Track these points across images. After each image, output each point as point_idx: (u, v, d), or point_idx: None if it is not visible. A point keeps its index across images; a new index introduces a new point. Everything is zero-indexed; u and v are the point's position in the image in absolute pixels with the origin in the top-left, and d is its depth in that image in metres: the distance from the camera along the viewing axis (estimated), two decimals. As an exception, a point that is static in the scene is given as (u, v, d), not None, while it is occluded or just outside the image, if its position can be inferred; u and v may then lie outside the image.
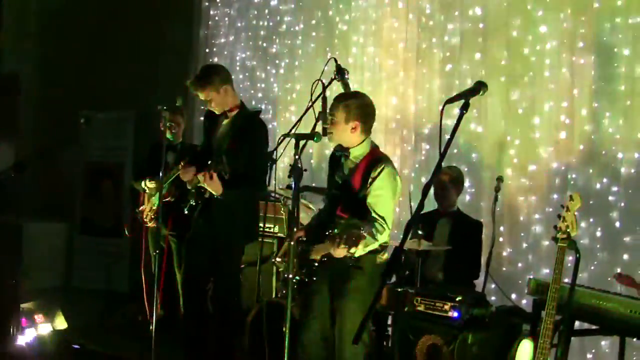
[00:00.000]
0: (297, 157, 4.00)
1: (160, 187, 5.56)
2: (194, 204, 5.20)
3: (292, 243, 4.04)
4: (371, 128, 4.42)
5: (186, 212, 5.28)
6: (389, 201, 4.29)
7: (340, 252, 4.09)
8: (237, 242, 5.25)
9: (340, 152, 4.44)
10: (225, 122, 5.27)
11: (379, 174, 4.25)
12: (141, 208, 6.42)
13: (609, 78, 5.64)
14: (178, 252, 6.24)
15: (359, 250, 4.12)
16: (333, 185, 4.56)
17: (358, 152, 4.39)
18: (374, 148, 4.45)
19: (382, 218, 4.22)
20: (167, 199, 5.98)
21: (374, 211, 4.24)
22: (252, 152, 5.08)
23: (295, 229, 4.15)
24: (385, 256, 4.39)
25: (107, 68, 9.10)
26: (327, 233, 4.26)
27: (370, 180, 4.26)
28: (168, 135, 6.24)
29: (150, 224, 6.37)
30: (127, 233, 6.99)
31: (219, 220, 5.13)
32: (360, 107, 4.34)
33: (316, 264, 4.34)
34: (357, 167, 4.36)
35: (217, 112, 5.25)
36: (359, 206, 4.27)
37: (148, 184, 6.24)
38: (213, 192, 4.96)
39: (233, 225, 5.13)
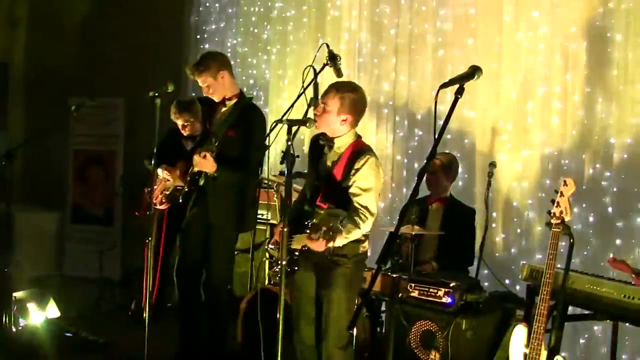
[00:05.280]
0: (289, 143, 3.98)
1: (177, 177, 5.73)
2: (186, 189, 5.19)
3: (284, 230, 4.02)
4: (358, 122, 4.42)
5: (181, 200, 5.28)
6: (372, 192, 4.25)
7: (318, 246, 4.09)
8: (230, 229, 5.25)
9: (324, 141, 4.42)
10: (223, 110, 5.28)
11: (363, 164, 4.23)
12: (154, 188, 6.37)
13: (601, 63, 5.62)
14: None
15: (341, 241, 4.13)
16: (314, 174, 4.54)
17: (342, 142, 4.36)
18: (358, 139, 4.42)
19: (365, 208, 4.20)
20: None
21: (357, 201, 4.22)
22: (248, 140, 5.09)
23: (283, 225, 4.10)
24: (367, 245, 4.40)
25: (98, 54, 9.05)
26: (306, 223, 4.28)
27: (353, 171, 4.24)
28: (184, 133, 6.32)
29: (159, 207, 6.32)
30: (137, 212, 6.96)
31: (213, 208, 5.14)
32: (355, 102, 4.32)
33: (297, 254, 4.33)
34: (340, 157, 4.34)
35: (216, 100, 5.25)
36: (340, 197, 4.26)
37: (161, 173, 6.19)
38: (207, 171, 4.98)
39: (226, 213, 5.14)
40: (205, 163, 4.94)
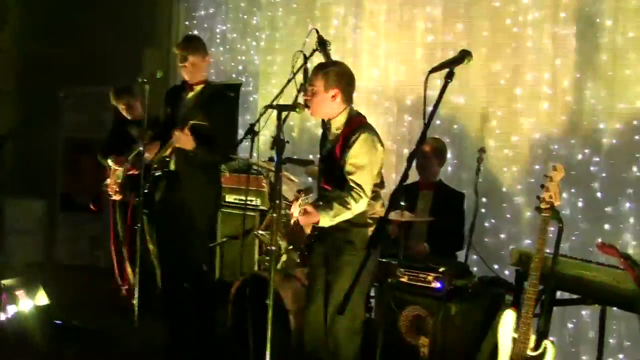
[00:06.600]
0: (279, 128, 3.97)
1: (123, 162, 6.08)
2: (159, 174, 5.25)
3: (274, 215, 4.03)
4: (351, 96, 4.35)
5: (146, 190, 5.34)
6: (366, 168, 4.17)
7: (303, 221, 4.17)
8: (203, 210, 5.37)
9: (325, 126, 4.42)
10: (190, 95, 5.37)
11: (354, 141, 4.17)
12: (106, 182, 6.47)
13: (591, 49, 5.63)
14: (149, 225, 6.28)
15: (328, 221, 4.13)
16: (320, 158, 4.54)
17: (339, 122, 4.32)
18: (356, 116, 4.36)
19: (359, 186, 4.12)
20: (131, 172, 6.14)
21: (350, 179, 4.15)
22: (217, 123, 5.17)
23: (277, 202, 4.13)
24: None
25: (87, 42, 8.98)
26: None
27: (347, 148, 4.19)
28: (128, 117, 6.53)
29: (115, 197, 6.42)
30: (92, 207, 7.08)
31: (186, 190, 5.24)
32: (339, 74, 4.27)
33: (313, 240, 4.35)
34: (338, 137, 4.30)
35: (190, 81, 5.34)
36: (341, 177, 4.21)
37: (111, 163, 6.32)
38: (186, 147, 5.06)
39: (199, 195, 5.26)
40: (185, 138, 5.02)
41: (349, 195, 4.12)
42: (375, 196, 4.32)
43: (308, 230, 4.32)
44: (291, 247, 5.22)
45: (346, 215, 4.15)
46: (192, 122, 5.01)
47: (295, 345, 4.81)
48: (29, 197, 9.25)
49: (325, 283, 4.35)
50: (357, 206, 4.14)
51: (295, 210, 4.28)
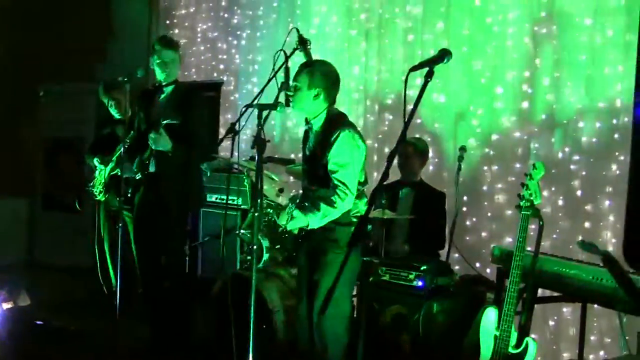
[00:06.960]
0: (260, 128, 3.97)
1: (108, 163, 6.03)
2: (140, 176, 5.33)
3: (256, 214, 4.02)
4: (335, 97, 4.36)
5: (129, 194, 5.36)
6: (349, 166, 4.17)
7: (292, 226, 4.24)
8: (182, 209, 5.46)
9: (307, 125, 4.42)
10: (162, 96, 5.41)
11: (335, 139, 4.16)
12: (92, 182, 6.45)
13: (570, 47, 5.66)
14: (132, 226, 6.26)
15: (317, 221, 4.15)
16: (303, 158, 4.54)
17: (319, 121, 4.33)
18: (337, 115, 4.36)
19: (344, 184, 4.12)
20: (115, 172, 6.13)
21: (334, 178, 4.15)
22: (193, 120, 5.27)
23: (259, 201, 4.13)
24: None
25: (67, 40, 8.93)
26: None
27: (328, 147, 4.18)
28: (114, 113, 6.45)
29: (99, 197, 6.39)
30: (77, 207, 7.04)
31: (166, 190, 5.27)
32: (324, 74, 4.28)
33: (299, 239, 4.35)
34: (320, 137, 4.31)
35: (165, 80, 5.38)
36: (325, 176, 4.21)
37: (97, 163, 6.31)
38: (163, 148, 5.12)
39: (178, 194, 5.29)
40: (161, 140, 5.07)
41: (334, 194, 4.12)
42: (360, 194, 4.32)
43: (295, 231, 4.35)
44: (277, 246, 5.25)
45: (334, 214, 4.16)
46: (165, 121, 5.05)
47: (281, 344, 4.81)
48: (11, 197, 9.19)
49: (311, 282, 4.35)
50: (344, 204, 4.14)
51: (283, 219, 4.27)
